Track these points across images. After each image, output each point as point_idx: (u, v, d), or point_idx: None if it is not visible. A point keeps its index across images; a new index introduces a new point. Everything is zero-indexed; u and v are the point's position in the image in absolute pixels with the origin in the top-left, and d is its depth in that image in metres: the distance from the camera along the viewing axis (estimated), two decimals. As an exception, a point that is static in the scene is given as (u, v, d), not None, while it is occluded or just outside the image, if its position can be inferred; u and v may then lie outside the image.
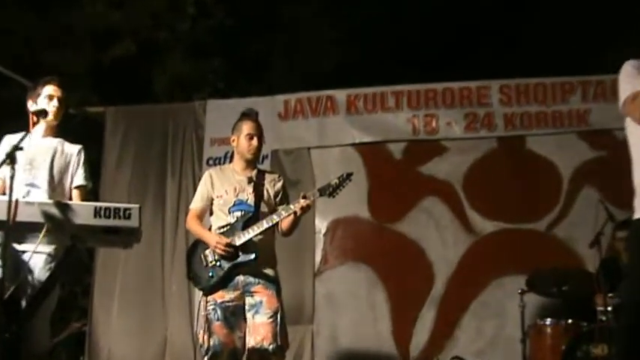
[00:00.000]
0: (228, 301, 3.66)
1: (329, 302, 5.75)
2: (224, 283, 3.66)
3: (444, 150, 5.85)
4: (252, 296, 3.65)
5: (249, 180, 3.75)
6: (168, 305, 5.87)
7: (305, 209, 3.56)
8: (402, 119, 5.88)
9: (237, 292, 3.66)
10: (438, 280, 5.62)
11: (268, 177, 3.81)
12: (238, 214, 3.73)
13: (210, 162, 6.07)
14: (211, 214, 3.83)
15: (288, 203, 3.69)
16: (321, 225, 5.90)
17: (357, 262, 5.81)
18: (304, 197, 3.56)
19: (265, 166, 5.63)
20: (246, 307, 3.65)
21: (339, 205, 5.65)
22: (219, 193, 3.76)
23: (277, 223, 3.65)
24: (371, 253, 5.79)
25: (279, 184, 3.83)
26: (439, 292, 5.62)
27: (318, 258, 5.86)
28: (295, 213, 3.58)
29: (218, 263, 3.65)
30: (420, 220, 5.76)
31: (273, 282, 3.69)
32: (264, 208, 3.77)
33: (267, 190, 3.79)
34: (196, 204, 3.83)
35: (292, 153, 6.04)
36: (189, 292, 5.71)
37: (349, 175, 3.73)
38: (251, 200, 3.73)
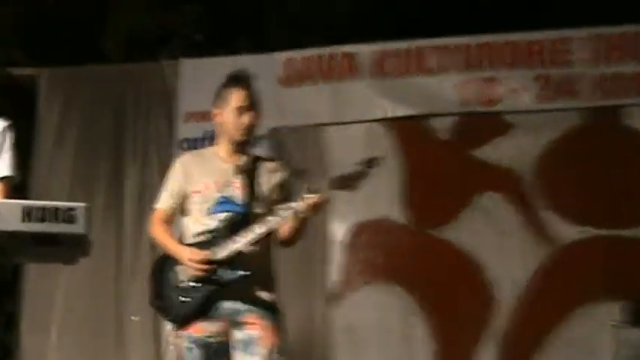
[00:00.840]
0: (208, 337, 3.61)
1: (349, 338, 5.80)
2: (203, 311, 3.62)
3: (507, 127, 5.87)
4: (241, 329, 3.60)
5: (238, 170, 3.72)
6: (127, 342, 5.94)
7: (314, 208, 3.53)
8: (448, 85, 5.92)
9: (220, 324, 3.61)
10: (501, 307, 5.66)
11: (265, 166, 3.80)
12: (222, 216, 3.67)
13: (185, 145, 6.12)
14: (183, 213, 3.79)
15: (290, 201, 3.63)
16: (337, 231, 5.93)
17: (388, 283, 5.83)
18: (313, 191, 3.53)
19: (261, 150, 5.31)
20: (233, 345, 3.60)
21: (362, 204, 5.70)
22: (197, 187, 3.72)
23: (275, 229, 3.63)
24: (407, 269, 5.81)
25: (279, 176, 3.81)
26: (502, 323, 5.65)
27: (334, 277, 5.89)
28: (300, 214, 3.55)
29: (194, 284, 3.60)
30: (474, 224, 5.80)
31: (271, 310, 3.65)
32: (257, 207, 3.69)
33: (263, 184, 3.75)
34: (164, 203, 3.81)
35: (298, 132, 6.09)
36: (156, 323, 5.78)
37: (376, 160, 3.69)
38: (240, 197, 3.67)
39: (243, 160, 3.76)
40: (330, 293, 5.90)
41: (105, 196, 6.22)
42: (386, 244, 5.94)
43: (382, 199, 5.86)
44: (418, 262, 5.83)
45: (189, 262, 3.59)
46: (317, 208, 3.58)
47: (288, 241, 3.79)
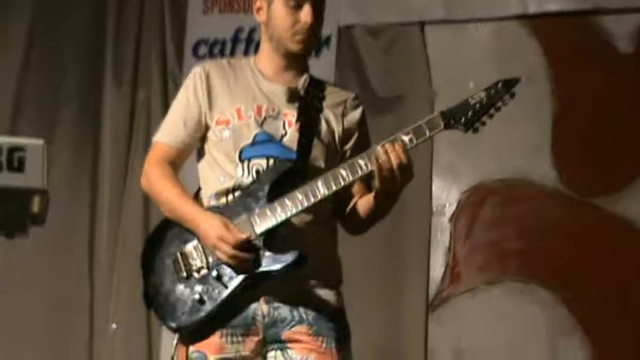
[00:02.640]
0: (232, 359, 3.13)
1: None
2: (226, 317, 3.13)
3: None
4: (284, 351, 3.11)
5: (293, 95, 3.25)
6: None
7: (407, 164, 2.97)
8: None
9: (253, 342, 3.11)
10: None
11: (333, 94, 3.35)
12: (262, 164, 3.19)
13: (202, 50, 5.44)
14: (199, 156, 3.34)
15: (371, 149, 3.10)
16: (444, 198, 5.15)
17: (523, 281, 5.00)
18: (407, 135, 3.01)
19: (326, 61, 5.13)
20: None
21: (486, 156, 5.03)
22: (224, 114, 3.26)
23: (346, 192, 3.20)
24: (555, 260, 4.95)
25: (354, 113, 3.34)
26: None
27: (438, 272, 5.09)
28: (386, 172, 3.00)
29: (214, 273, 3.09)
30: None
31: (334, 322, 3.15)
32: (318, 156, 3.20)
33: (329, 121, 3.29)
34: (170, 135, 3.33)
35: (385, 34, 5.29)
36: (148, 333, 5.26)
37: (512, 84, 3.03)
38: (292, 137, 3.20)
39: (300, 81, 3.33)
40: (432, 298, 5.10)
41: (72, 132, 5.48)
42: (522, 220, 4.99)
43: (518, 148, 5.02)
44: (573, 248, 4.90)
45: (221, 244, 3.06)
46: (408, 166, 3.00)
47: (366, 218, 3.28)
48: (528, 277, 5.00)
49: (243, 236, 3.07)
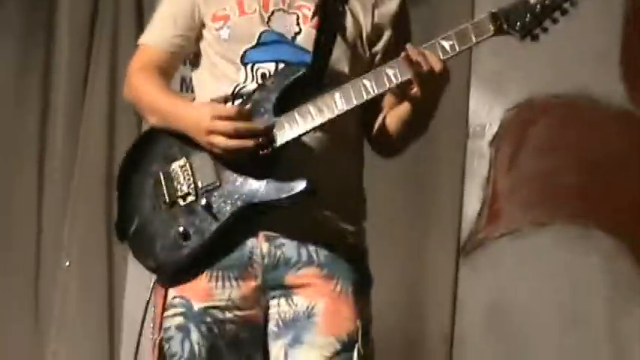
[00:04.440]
0: (224, 308, 2.81)
1: (496, 324, 4.60)
2: (216, 255, 2.84)
3: None
4: (288, 297, 2.80)
5: None
6: (52, 310, 4.85)
7: (443, 74, 2.68)
8: None
9: (250, 287, 2.79)
10: None
11: None
12: (269, 68, 2.87)
13: None
14: (194, 62, 3.04)
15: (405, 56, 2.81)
16: (484, 116, 4.69)
17: (583, 223, 4.50)
18: (449, 39, 2.74)
19: None
20: (272, 329, 2.78)
21: (538, 64, 4.46)
22: (221, 8, 2.96)
23: (374, 106, 2.91)
24: (624, 199, 4.50)
25: (390, 3, 3.02)
26: None
27: (472, 205, 4.65)
28: (422, 84, 2.71)
29: (203, 201, 2.80)
30: None
31: (353, 263, 2.87)
32: (341, 60, 2.91)
33: (356, 14, 2.97)
34: (157, 35, 3.06)
35: None
36: (109, 271, 4.83)
37: None
38: (308, 36, 2.89)
39: None
40: (464, 240, 4.64)
41: (18, 25, 5.00)
42: (581, 146, 4.50)
43: (578, 55, 4.48)
44: None
45: (216, 123, 2.73)
46: (445, 75, 2.68)
47: (400, 135, 2.90)
48: (587, 218, 4.53)
49: (241, 110, 2.72)
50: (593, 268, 4.48)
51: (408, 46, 2.71)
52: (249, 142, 2.75)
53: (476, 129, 4.68)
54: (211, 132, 2.75)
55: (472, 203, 4.67)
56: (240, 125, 2.74)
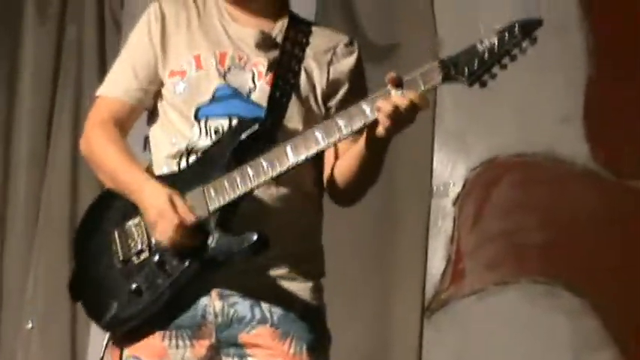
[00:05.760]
0: None
1: None
2: (169, 314, 2.89)
3: None
4: (242, 358, 2.86)
5: (265, 40, 3.02)
6: None
7: (403, 119, 2.69)
8: None
9: (202, 344, 2.86)
10: None
11: (320, 38, 3.12)
12: (222, 123, 2.97)
13: None
14: (151, 119, 3.09)
15: (362, 103, 2.82)
16: (448, 175, 4.75)
17: (547, 282, 4.55)
18: (407, 86, 2.71)
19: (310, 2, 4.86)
20: None
21: (502, 123, 4.60)
22: (178, 63, 3.04)
23: (330, 159, 3.01)
24: (588, 257, 4.50)
25: (346, 61, 3.09)
26: None
27: (437, 265, 4.66)
28: (382, 131, 2.74)
29: (156, 258, 2.87)
30: None
31: (309, 321, 2.89)
32: (294, 115, 2.96)
33: (311, 72, 3.03)
34: (116, 87, 3.09)
35: None
36: (71, 332, 4.92)
37: (532, 26, 2.71)
38: (262, 92, 2.95)
39: (278, 25, 3.08)
40: (428, 300, 4.70)
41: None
42: (545, 205, 4.54)
43: (542, 115, 4.55)
44: (608, 242, 4.48)
45: (161, 222, 2.80)
46: (406, 119, 2.70)
47: (353, 188, 2.99)
48: (551, 277, 4.55)
49: (190, 218, 2.78)
50: (559, 326, 4.48)
51: (373, 106, 2.72)
52: (183, 249, 2.82)
53: (439, 187, 4.74)
54: (154, 226, 2.82)
55: (436, 263, 4.71)
56: (178, 238, 2.78)
